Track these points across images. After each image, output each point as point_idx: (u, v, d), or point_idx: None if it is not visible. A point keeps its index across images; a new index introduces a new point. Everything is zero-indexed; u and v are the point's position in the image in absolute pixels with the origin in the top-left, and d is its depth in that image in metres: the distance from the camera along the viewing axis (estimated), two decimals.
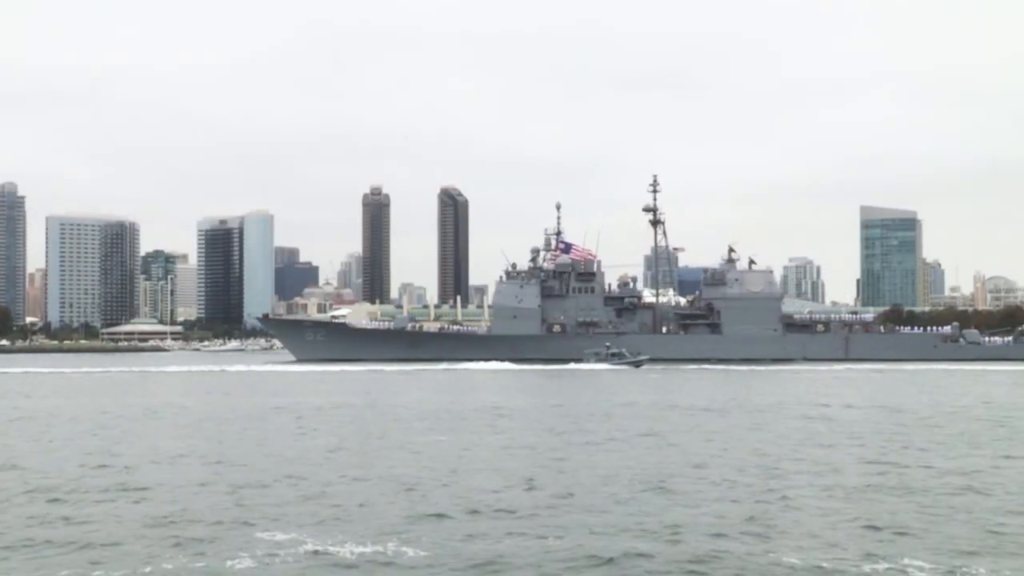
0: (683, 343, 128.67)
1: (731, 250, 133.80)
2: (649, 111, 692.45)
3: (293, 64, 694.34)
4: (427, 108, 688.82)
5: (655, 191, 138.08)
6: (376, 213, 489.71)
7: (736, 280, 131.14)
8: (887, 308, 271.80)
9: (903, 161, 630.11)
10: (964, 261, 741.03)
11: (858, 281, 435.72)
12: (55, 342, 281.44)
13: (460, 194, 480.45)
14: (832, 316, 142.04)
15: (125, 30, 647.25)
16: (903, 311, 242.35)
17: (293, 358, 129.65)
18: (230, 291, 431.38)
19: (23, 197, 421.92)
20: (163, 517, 20.94)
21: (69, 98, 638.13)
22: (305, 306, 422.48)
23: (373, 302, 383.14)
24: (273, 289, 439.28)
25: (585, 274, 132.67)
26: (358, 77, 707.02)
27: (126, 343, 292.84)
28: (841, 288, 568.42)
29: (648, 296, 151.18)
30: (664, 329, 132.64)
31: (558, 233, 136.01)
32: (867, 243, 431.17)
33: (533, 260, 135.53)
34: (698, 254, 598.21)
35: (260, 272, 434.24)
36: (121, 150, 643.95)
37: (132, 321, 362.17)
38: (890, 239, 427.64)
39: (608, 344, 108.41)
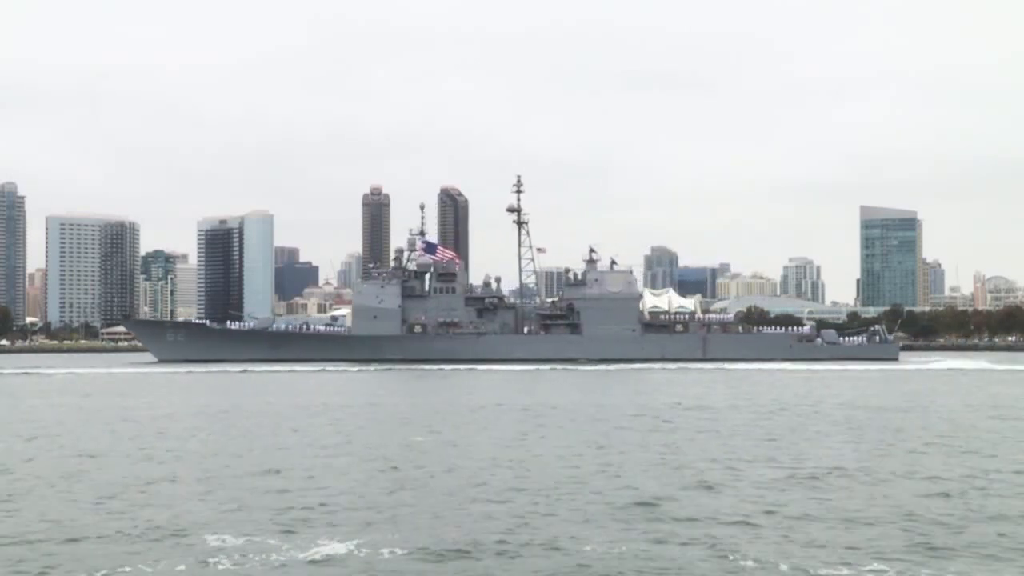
0: (543, 343, 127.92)
1: (591, 250, 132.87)
2: (650, 111, 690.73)
3: (293, 65, 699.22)
4: (427, 108, 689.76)
5: (519, 191, 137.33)
6: (376, 213, 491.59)
7: (596, 280, 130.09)
8: (887, 308, 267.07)
9: (903, 161, 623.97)
10: (964, 261, 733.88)
11: (858, 281, 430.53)
12: (55, 342, 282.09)
13: (460, 194, 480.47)
14: (691, 316, 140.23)
15: (125, 30, 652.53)
16: (903, 311, 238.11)
17: (155, 359, 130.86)
18: (230, 291, 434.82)
19: (23, 197, 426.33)
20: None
21: (69, 98, 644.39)
22: (305, 306, 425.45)
23: None
24: (273, 289, 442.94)
25: (446, 274, 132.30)
26: (358, 77, 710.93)
27: (126, 343, 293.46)
28: (841, 288, 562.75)
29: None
30: (526, 329, 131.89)
31: (422, 233, 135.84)
32: (867, 243, 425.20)
33: (397, 260, 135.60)
34: (695, 254, 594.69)
35: (260, 272, 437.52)
36: (121, 150, 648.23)
37: None
38: (890, 239, 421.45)
39: None
